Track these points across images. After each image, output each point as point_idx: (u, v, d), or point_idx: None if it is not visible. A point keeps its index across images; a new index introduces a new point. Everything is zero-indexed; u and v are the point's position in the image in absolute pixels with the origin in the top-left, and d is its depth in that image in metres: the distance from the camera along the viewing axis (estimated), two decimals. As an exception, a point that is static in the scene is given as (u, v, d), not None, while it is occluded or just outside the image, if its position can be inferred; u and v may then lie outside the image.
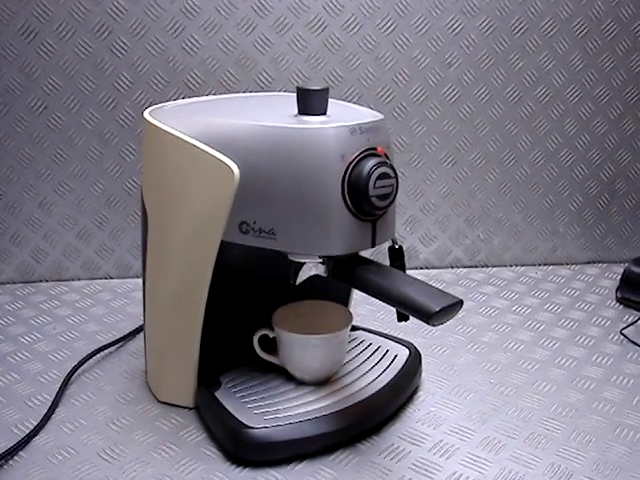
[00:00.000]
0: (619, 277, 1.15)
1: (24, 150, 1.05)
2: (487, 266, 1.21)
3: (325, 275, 0.73)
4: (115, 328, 0.98)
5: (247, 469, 0.69)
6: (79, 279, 1.13)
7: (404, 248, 0.74)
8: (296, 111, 0.68)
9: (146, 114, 0.74)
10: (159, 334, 0.78)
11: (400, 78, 1.07)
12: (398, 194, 0.67)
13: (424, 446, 0.73)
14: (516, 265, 1.21)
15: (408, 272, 1.15)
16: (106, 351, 0.91)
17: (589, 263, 1.23)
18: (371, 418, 0.75)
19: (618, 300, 1.08)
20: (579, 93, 1.13)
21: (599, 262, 1.23)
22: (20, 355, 0.90)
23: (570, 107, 1.14)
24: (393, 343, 0.87)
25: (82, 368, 0.87)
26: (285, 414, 0.72)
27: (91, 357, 0.88)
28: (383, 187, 0.64)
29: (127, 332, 0.95)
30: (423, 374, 0.86)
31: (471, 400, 0.82)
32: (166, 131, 0.70)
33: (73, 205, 1.09)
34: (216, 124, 0.68)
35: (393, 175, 0.65)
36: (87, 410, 0.79)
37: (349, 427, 0.72)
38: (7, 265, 1.10)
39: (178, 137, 0.68)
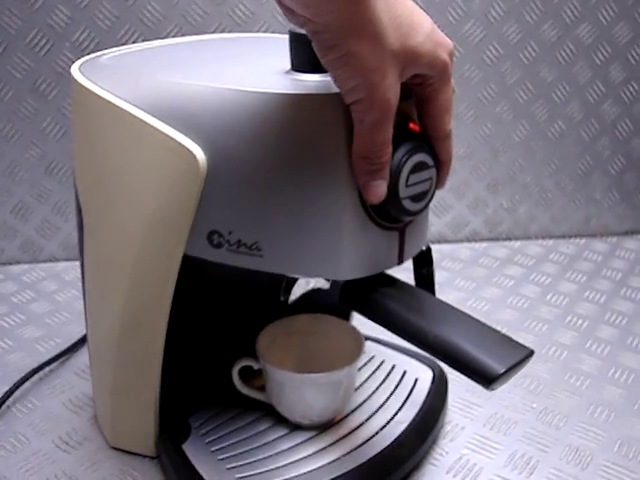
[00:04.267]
0: (666, 253, 0.98)
1: (-63, 106, 0.83)
2: (510, 239, 1.02)
3: (327, 288, 0.54)
4: (60, 333, 0.78)
5: None
6: (18, 263, 0.92)
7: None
8: (288, 65, 0.48)
9: (74, 70, 0.52)
10: (106, 367, 0.58)
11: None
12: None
13: (460, 514, 0.56)
14: (543, 238, 1.02)
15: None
16: (46, 369, 0.72)
17: (627, 234, 1.04)
18: (392, 476, 0.56)
19: (671, 285, 0.90)
20: (628, 33, 0.92)
21: (638, 233, 1.04)
22: None
23: (618, 49, 0.93)
24: (411, 360, 0.68)
25: (13, 397, 0.67)
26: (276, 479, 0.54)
27: (24, 382, 0.68)
28: (419, 183, 0.44)
29: (74, 341, 0.75)
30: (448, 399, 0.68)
31: (512, 436, 0.64)
32: (100, 96, 0.48)
33: (5, 174, 0.87)
34: (173, 88, 0.47)
35: (432, 163, 0.45)
36: (13, 464, 0.60)
37: (362, 494, 0.54)
38: None
39: (117, 105, 0.47)
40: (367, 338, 0.70)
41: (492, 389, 0.42)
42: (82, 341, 0.75)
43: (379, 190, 0.42)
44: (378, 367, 0.67)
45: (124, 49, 0.57)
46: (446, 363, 0.44)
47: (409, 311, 0.46)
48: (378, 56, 0.38)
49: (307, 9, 0.37)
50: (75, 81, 0.51)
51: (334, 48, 0.38)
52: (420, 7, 0.42)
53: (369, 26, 0.37)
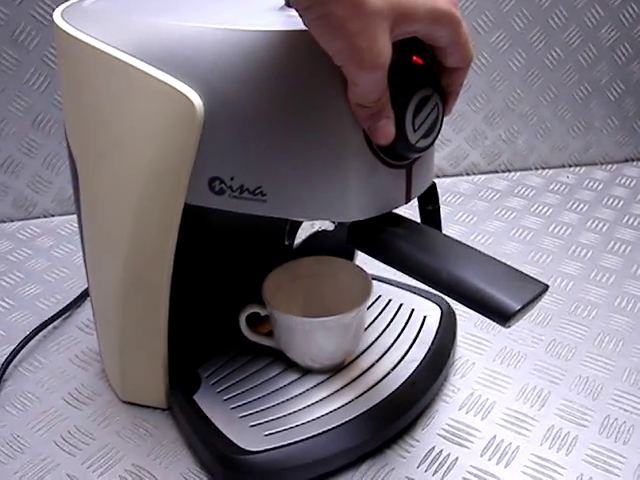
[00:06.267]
0: (667, 178, 0.97)
1: None
2: (509, 171, 1.00)
3: (331, 230, 0.53)
4: (59, 289, 0.77)
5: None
6: (11, 220, 0.90)
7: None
8: (282, 1, 0.45)
9: (56, 17, 0.50)
10: (112, 322, 0.57)
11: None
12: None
13: (474, 447, 0.56)
14: (542, 168, 1.01)
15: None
16: (50, 326, 0.71)
17: (627, 162, 1.03)
18: (406, 415, 0.56)
19: (674, 211, 0.89)
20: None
21: (638, 160, 1.03)
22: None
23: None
24: (418, 298, 0.67)
25: (19, 356, 0.67)
26: (291, 425, 0.53)
27: (29, 341, 0.68)
28: (426, 118, 0.43)
29: (75, 296, 0.74)
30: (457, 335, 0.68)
31: (523, 370, 0.64)
32: (87, 43, 0.46)
33: (-9, 129, 0.85)
34: (164, 30, 0.44)
35: (438, 95, 0.43)
36: (25, 423, 0.59)
37: (378, 434, 0.54)
38: None
39: (105, 52, 0.45)
40: (377, 278, 0.69)
41: (508, 326, 0.41)
42: (83, 296, 0.74)
43: (386, 130, 0.41)
44: (385, 306, 0.66)
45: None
46: (461, 302, 0.43)
47: (420, 250, 0.45)
48: (361, 17, 0.35)
49: None
50: (58, 29, 0.49)
51: (310, 9, 0.35)
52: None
53: None
